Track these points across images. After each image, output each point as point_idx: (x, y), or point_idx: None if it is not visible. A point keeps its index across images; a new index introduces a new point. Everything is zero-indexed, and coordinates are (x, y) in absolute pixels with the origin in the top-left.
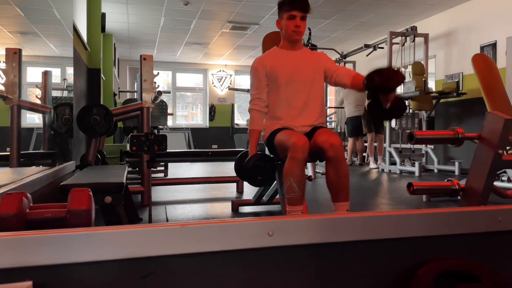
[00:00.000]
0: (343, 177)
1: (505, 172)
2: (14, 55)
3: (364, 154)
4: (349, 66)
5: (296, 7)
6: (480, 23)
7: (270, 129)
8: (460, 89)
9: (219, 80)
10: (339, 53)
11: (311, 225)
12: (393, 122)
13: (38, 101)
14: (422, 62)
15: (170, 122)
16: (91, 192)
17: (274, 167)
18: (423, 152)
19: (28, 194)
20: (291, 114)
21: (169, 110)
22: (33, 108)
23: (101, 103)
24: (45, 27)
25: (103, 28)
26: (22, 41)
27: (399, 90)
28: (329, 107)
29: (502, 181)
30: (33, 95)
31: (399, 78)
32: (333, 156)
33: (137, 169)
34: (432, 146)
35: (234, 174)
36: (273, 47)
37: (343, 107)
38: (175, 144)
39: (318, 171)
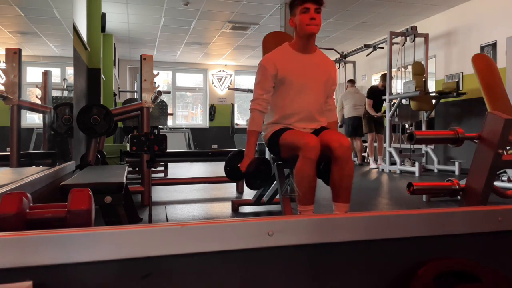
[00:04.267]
0: (347, 178)
1: (505, 172)
2: (14, 55)
3: (364, 154)
4: (349, 66)
5: None
6: (480, 23)
7: (273, 128)
8: (460, 89)
9: (219, 80)
10: (339, 53)
11: (311, 225)
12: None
13: (38, 101)
14: (422, 62)
15: (170, 122)
16: (91, 192)
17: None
18: (423, 152)
19: (28, 194)
20: (297, 116)
21: (169, 110)
22: (33, 108)
23: (101, 103)
24: (45, 27)
25: (103, 28)
26: (22, 41)
27: (399, 90)
28: None
29: (502, 181)
30: (33, 95)
31: None
32: (341, 156)
33: (137, 169)
34: (432, 146)
35: None
36: (275, 47)
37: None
38: (175, 144)
39: None
